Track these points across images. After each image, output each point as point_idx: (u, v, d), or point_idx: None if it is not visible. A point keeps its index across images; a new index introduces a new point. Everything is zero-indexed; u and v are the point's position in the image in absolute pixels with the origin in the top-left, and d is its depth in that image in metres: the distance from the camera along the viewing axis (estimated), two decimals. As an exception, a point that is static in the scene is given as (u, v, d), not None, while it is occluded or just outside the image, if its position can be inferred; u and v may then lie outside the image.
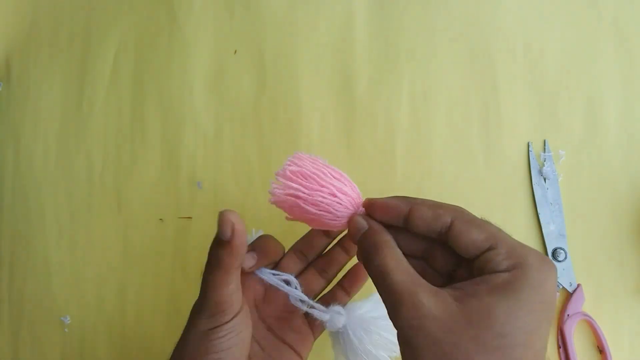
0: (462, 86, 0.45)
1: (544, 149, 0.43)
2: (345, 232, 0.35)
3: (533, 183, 0.43)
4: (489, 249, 0.26)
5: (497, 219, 0.43)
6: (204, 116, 0.49)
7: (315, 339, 0.37)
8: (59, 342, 0.51)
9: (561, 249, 0.42)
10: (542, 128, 0.44)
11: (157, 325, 0.48)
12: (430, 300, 0.25)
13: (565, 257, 0.42)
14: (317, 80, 0.47)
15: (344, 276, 0.38)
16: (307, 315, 0.36)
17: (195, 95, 0.50)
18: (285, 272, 0.35)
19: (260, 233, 0.37)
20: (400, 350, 0.26)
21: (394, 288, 0.26)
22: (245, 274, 0.34)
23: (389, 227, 0.30)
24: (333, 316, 0.34)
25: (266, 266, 0.35)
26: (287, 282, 0.35)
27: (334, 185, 0.32)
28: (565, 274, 0.41)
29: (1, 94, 0.57)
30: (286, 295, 0.35)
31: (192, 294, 0.32)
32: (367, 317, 0.35)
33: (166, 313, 0.48)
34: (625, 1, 0.44)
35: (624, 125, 0.43)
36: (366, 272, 0.31)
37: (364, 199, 0.32)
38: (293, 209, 0.32)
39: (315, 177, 0.32)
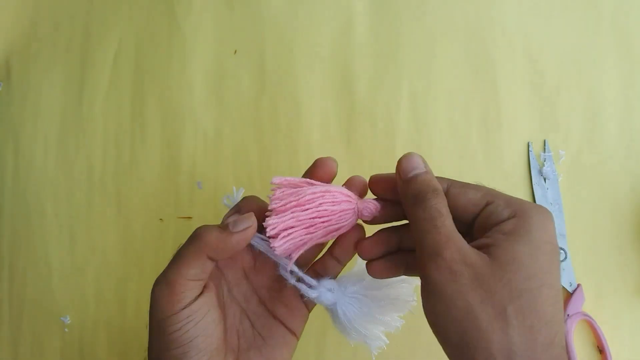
0: (462, 86, 0.45)
1: (544, 149, 0.43)
2: (331, 242, 0.33)
3: (533, 183, 0.43)
4: (487, 204, 0.28)
5: (497, 219, 0.43)
6: (204, 116, 0.49)
7: (309, 312, 0.34)
8: (59, 342, 0.51)
9: (561, 249, 0.42)
10: (542, 128, 0.44)
11: (157, 325, 0.48)
12: (472, 251, 0.26)
13: (565, 257, 0.42)
14: (317, 80, 0.47)
15: (335, 243, 0.33)
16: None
17: (195, 95, 0.50)
18: None
19: (242, 191, 0.34)
20: (427, 302, 0.26)
21: (445, 230, 0.26)
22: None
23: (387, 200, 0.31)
24: (322, 293, 0.32)
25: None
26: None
27: (324, 197, 0.30)
28: (565, 274, 0.41)
29: (1, 94, 0.57)
30: (277, 264, 0.32)
31: (192, 294, 0.32)
32: (361, 294, 0.32)
33: (166, 313, 0.48)
34: (625, 1, 0.44)
35: (624, 125, 0.43)
36: (358, 238, 0.32)
37: (368, 178, 0.32)
38: (303, 245, 0.30)
39: (306, 202, 0.30)
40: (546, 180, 0.43)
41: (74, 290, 0.51)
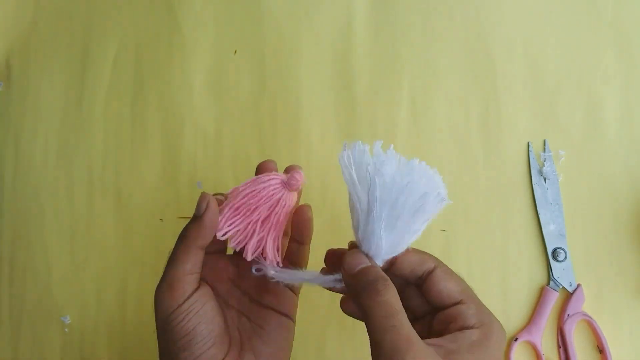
0: (462, 86, 0.45)
1: (544, 149, 0.43)
2: None
3: (533, 183, 0.43)
4: (461, 302, 0.29)
5: (497, 219, 0.43)
6: (204, 116, 0.49)
7: (297, 295, 0.37)
8: (59, 342, 0.51)
9: (561, 249, 0.42)
10: (542, 128, 0.44)
11: (157, 325, 0.48)
12: (430, 354, 0.25)
13: (565, 257, 0.42)
14: (317, 80, 0.47)
15: (292, 229, 0.36)
16: None
17: (195, 95, 0.50)
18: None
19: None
20: None
21: (404, 331, 0.25)
22: (215, 258, 0.35)
23: None
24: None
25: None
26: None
27: (253, 184, 0.33)
28: (565, 274, 0.41)
29: (1, 93, 0.57)
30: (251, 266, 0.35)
31: (192, 294, 0.32)
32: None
33: (166, 313, 0.48)
34: (625, 1, 0.44)
35: (624, 125, 0.43)
36: (308, 214, 0.35)
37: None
38: (254, 232, 0.33)
39: (240, 195, 0.33)
40: (546, 180, 0.43)
41: (74, 290, 0.51)
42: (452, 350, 0.27)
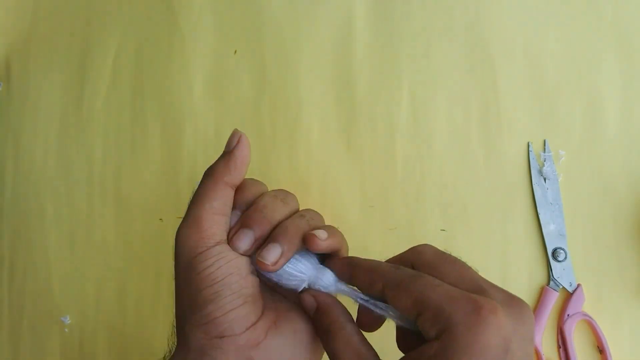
0: (462, 86, 0.45)
1: (544, 149, 0.43)
2: None
3: (533, 183, 0.43)
4: (418, 314, 0.24)
5: (497, 219, 0.43)
6: (204, 116, 0.49)
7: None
8: (59, 342, 0.51)
9: (561, 249, 0.42)
10: (542, 128, 0.44)
11: (157, 325, 0.48)
12: None
13: (565, 257, 0.42)
14: (317, 80, 0.47)
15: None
16: None
17: (195, 95, 0.50)
18: None
19: None
20: None
21: None
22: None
23: None
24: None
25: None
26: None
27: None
28: (565, 274, 0.41)
29: (1, 94, 0.57)
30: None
31: (192, 294, 0.32)
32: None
33: (166, 313, 0.48)
34: (625, 1, 0.44)
35: (624, 125, 0.43)
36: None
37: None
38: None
39: None
40: (546, 180, 0.43)
41: (74, 290, 0.51)
42: None
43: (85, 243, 0.51)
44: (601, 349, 0.41)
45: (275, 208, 0.30)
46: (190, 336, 0.26)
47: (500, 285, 0.43)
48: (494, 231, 0.43)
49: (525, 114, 0.44)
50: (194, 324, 0.26)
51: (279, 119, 0.48)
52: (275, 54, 0.49)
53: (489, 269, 0.43)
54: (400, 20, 0.47)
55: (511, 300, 0.24)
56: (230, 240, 0.28)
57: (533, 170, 0.43)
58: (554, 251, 0.42)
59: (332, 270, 0.29)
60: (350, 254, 0.38)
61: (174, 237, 0.29)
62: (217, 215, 0.28)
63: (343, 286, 0.29)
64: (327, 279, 0.29)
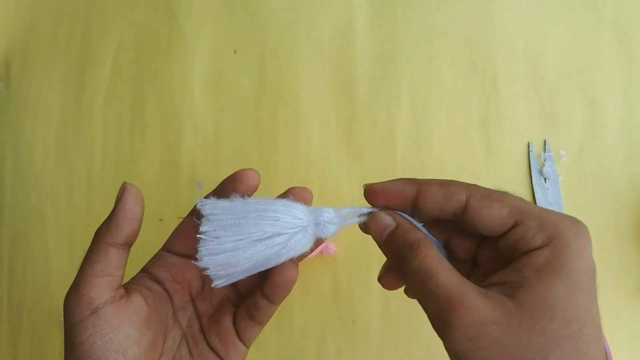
0: (462, 86, 0.45)
1: (544, 149, 0.43)
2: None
3: (533, 183, 0.43)
4: (515, 224, 0.23)
5: (497, 219, 0.43)
6: (204, 116, 0.49)
7: (247, 348, 0.31)
8: (59, 342, 0.51)
9: (561, 249, 0.42)
10: (542, 128, 0.44)
11: (157, 325, 0.48)
12: (486, 302, 0.21)
13: (566, 257, 0.42)
14: (317, 80, 0.47)
15: (265, 282, 0.29)
16: (235, 323, 0.30)
17: (195, 95, 0.50)
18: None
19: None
20: None
21: (442, 293, 0.22)
22: (185, 263, 0.30)
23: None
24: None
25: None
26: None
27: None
28: (566, 274, 0.41)
29: (1, 94, 0.57)
30: (223, 293, 0.30)
31: (192, 294, 0.32)
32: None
33: (166, 313, 0.48)
34: (625, 1, 0.44)
35: (624, 125, 0.43)
36: (289, 280, 0.28)
37: (363, 185, 0.28)
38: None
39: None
40: (546, 180, 0.43)
41: (74, 290, 0.51)
42: (518, 284, 0.22)
43: (85, 243, 0.51)
44: (601, 349, 0.41)
45: None
46: None
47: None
48: (494, 231, 0.43)
49: (525, 114, 0.44)
50: None
51: (279, 119, 0.48)
52: (275, 54, 0.49)
53: (489, 269, 0.43)
54: (400, 21, 0.46)
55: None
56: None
57: (533, 170, 0.43)
58: (554, 251, 0.42)
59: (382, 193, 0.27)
60: (350, 254, 0.37)
61: None
62: (98, 278, 0.26)
63: (345, 211, 0.27)
64: (328, 213, 0.27)
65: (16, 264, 0.54)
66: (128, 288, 0.28)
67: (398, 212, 0.27)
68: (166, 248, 0.32)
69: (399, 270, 0.25)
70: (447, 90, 0.45)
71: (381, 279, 0.29)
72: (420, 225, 0.26)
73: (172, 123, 0.50)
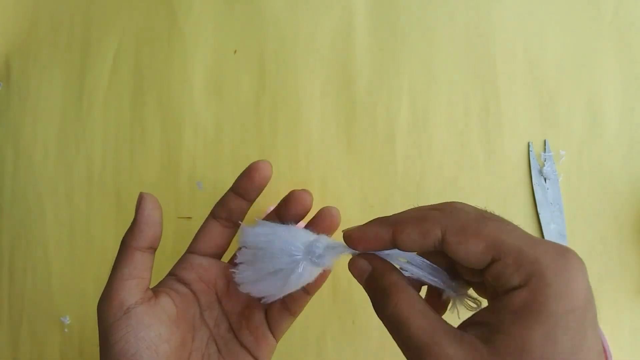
0: (462, 86, 0.45)
1: (544, 149, 0.43)
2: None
3: (533, 183, 0.43)
4: (493, 260, 0.22)
5: (497, 219, 0.43)
6: (204, 116, 0.49)
7: (277, 341, 0.32)
8: (58, 342, 0.51)
9: (561, 249, 0.42)
10: (542, 128, 0.44)
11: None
12: (458, 349, 0.21)
13: (566, 257, 0.42)
14: (317, 80, 0.47)
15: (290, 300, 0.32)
16: (267, 316, 0.32)
17: (195, 95, 0.50)
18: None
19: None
20: None
21: (414, 341, 0.22)
22: (210, 262, 0.32)
23: None
24: None
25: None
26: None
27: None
28: (566, 274, 0.41)
29: (1, 94, 0.57)
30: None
31: (192, 294, 0.32)
32: None
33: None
34: (625, 1, 0.44)
35: (624, 125, 0.43)
36: (325, 273, 0.29)
37: (342, 230, 0.27)
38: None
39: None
40: (546, 180, 0.43)
41: (74, 290, 0.51)
42: (495, 327, 0.21)
43: (85, 243, 0.51)
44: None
45: None
46: None
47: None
48: (494, 231, 0.43)
49: (525, 114, 0.44)
50: None
51: (279, 119, 0.48)
52: (275, 54, 0.49)
53: (489, 269, 0.43)
54: (401, 20, 0.47)
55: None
56: None
57: (533, 170, 0.43)
58: (554, 251, 0.42)
59: (349, 242, 0.27)
60: (350, 254, 0.37)
61: None
62: (128, 281, 0.28)
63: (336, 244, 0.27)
64: (318, 248, 0.27)
65: (16, 264, 0.54)
66: (156, 291, 0.29)
67: (377, 253, 0.26)
68: (190, 250, 0.33)
69: (377, 314, 0.25)
70: (447, 90, 0.45)
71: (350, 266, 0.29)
72: (412, 258, 0.26)
73: (172, 123, 0.50)
